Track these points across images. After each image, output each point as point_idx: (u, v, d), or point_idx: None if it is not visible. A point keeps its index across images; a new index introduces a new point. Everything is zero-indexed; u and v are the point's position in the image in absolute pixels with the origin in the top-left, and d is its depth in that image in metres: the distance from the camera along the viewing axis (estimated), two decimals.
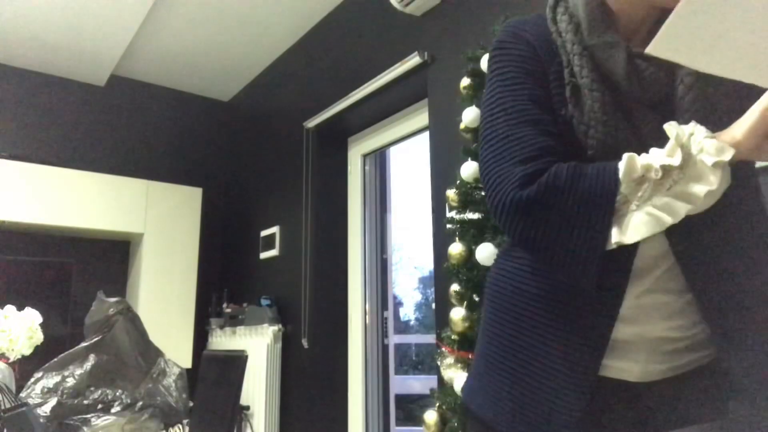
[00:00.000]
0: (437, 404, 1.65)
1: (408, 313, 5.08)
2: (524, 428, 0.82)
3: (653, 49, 0.62)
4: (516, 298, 0.87)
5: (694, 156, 0.70)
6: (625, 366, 0.81)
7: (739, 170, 0.77)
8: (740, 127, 0.70)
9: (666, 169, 0.70)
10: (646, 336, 0.81)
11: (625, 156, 0.72)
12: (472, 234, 1.63)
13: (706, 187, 0.68)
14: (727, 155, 0.68)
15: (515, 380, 0.84)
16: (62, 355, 1.91)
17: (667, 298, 0.81)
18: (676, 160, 0.69)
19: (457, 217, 1.72)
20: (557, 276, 0.82)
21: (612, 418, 0.82)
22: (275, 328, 3.32)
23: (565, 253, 0.74)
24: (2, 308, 2.18)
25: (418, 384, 4.32)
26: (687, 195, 0.70)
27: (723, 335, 0.80)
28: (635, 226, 0.71)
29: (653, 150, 0.72)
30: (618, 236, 0.71)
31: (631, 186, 0.71)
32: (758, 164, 1.42)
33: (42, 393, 1.80)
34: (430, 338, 2.99)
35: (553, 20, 0.90)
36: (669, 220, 0.70)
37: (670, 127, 0.71)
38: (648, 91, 0.81)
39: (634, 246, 0.77)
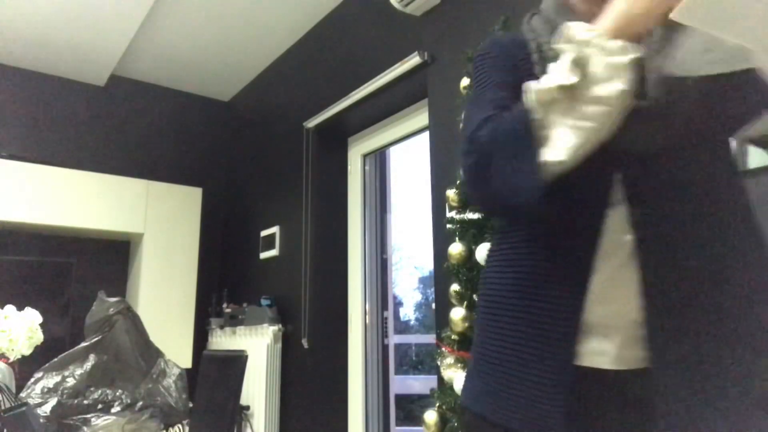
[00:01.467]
0: (437, 404, 1.65)
1: (408, 313, 5.08)
2: (518, 425, 0.82)
3: (678, 15, 0.62)
4: (496, 289, 0.89)
5: (590, 64, 0.71)
6: (598, 348, 0.80)
7: (721, 171, 0.77)
8: (613, 12, 0.71)
9: (569, 88, 0.72)
10: (620, 316, 0.80)
11: (532, 84, 0.75)
12: (472, 234, 1.63)
13: (616, 86, 0.69)
14: (624, 52, 0.69)
15: (502, 372, 0.85)
16: (62, 355, 1.91)
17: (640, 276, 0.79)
18: (573, 78, 0.71)
19: (457, 217, 1.72)
20: (506, 217, 0.89)
21: (600, 415, 0.81)
22: (275, 328, 3.32)
23: (507, 184, 0.76)
24: (2, 308, 2.18)
25: (418, 384, 4.32)
26: (598, 99, 0.70)
27: (655, 338, 0.79)
28: (560, 139, 0.73)
29: (553, 69, 0.75)
30: (549, 154, 0.73)
31: (544, 109, 0.74)
32: (758, 164, 1.42)
33: (42, 393, 1.80)
34: (430, 338, 2.99)
35: (529, 26, 0.96)
36: (589, 125, 0.71)
37: (563, 46, 0.74)
38: None
39: (599, 219, 0.79)
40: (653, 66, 0.74)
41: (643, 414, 0.81)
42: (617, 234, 0.80)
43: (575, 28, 0.73)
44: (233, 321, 3.67)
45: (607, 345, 0.80)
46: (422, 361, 4.84)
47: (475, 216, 1.67)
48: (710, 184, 0.79)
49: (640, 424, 0.81)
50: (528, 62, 0.89)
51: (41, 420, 1.71)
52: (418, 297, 4.99)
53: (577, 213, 0.82)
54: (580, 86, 0.71)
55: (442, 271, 1.93)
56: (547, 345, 0.80)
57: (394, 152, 3.37)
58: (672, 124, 0.76)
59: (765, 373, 0.77)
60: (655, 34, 0.75)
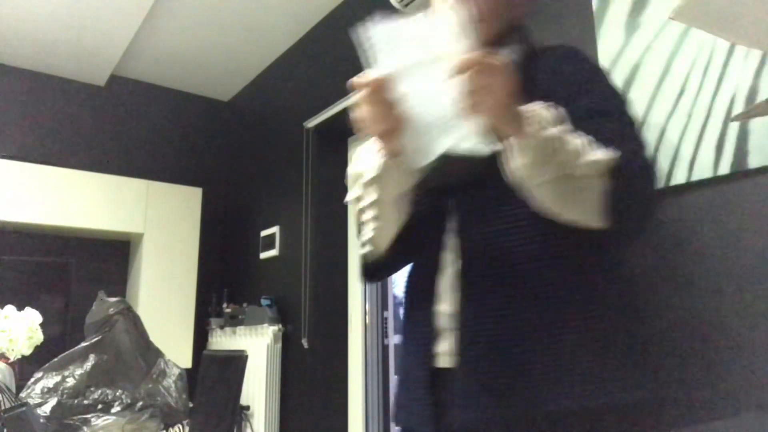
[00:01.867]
0: None
1: None
2: (407, 424, 1.00)
3: (677, 15, 0.62)
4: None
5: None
6: (444, 351, 0.94)
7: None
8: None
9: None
10: (453, 325, 0.93)
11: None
12: None
13: (352, 195, 1.02)
14: (362, 177, 0.99)
15: (400, 386, 1.04)
16: (62, 355, 1.91)
17: None
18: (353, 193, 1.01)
19: None
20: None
21: (448, 405, 0.92)
22: (275, 328, 3.32)
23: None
24: (2, 308, 2.18)
25: None
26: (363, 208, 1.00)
27: (463, 344, 0.91)
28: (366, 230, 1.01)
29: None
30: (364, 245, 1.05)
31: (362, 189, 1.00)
32: (758, 164, 1.42)
33: (42, 393, 1.80)
34: None
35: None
36: (371, 224, 0.98)
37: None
38: None
39: (437, 251, 0.98)
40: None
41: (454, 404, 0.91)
42: (450, 258, 0.97)
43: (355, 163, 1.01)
44: (233, 321, 3.67)
45: (448, 348, 0.93)
46: None
47: None
48: (517, 210, 0.90)
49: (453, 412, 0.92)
50: None
51: (41, 420, 1.71)
52: None
53: (421, 248, 1.03)
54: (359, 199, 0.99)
55: None
56: (416, 357, 0.97)
57: None
58: (466, 166, 0.87)
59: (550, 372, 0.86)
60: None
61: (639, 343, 0.94)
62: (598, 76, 0.99)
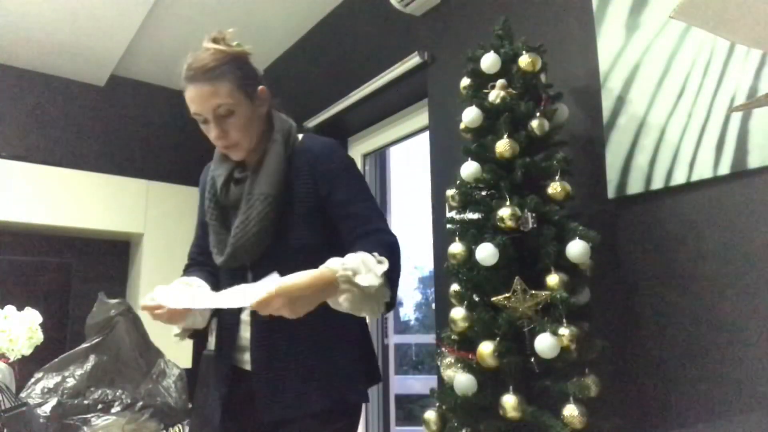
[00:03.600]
0: (437, 404, 1.64)
1: (408, 313, 5.08)
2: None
3: (677, 15, 0.63)
4: None
5: None
6: (244, 358, 1.31)
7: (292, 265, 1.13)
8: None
9: None
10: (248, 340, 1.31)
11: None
12: (472, 234, 1.63)
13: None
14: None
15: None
16: (62, 355, 1.91)
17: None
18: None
19: (457, 217, 1.72)
20: None
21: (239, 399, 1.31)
22: None
23: None
24: (2, 308, 2.18)
25: (418, 384, 4.32)
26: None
27: (254, 354, 1.29)
28: None
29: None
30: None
31: None
32: (758, 164, 1.42)
33: (42, 393, 1.80)
34: (430, 338, 2.98)
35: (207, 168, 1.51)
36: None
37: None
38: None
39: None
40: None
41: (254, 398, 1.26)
42: (245, 316, 1.33)
43: None
44: None
45: (244, 356, 1.31)
46: (422, 361, 4.84)
47: (475, 216, 1.67)
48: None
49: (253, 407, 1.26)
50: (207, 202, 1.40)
51: (41, 420, 1.71)
52: (418, 297, 4.99)
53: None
54: None
55: (442, 271, 1.94)
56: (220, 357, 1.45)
57: (394, 152, 3.37)
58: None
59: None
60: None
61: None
62: (347, 168, 1.30)
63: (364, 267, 1.10)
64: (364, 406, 1.34)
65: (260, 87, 1.32)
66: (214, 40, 1.28)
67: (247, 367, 1.30)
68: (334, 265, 1.09)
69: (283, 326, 1.17)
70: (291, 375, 1.23)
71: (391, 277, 1.14)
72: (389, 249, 1.18)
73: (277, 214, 1.25)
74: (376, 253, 1.13)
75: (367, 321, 1.38)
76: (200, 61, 1.24)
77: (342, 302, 1.09)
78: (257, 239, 1.24)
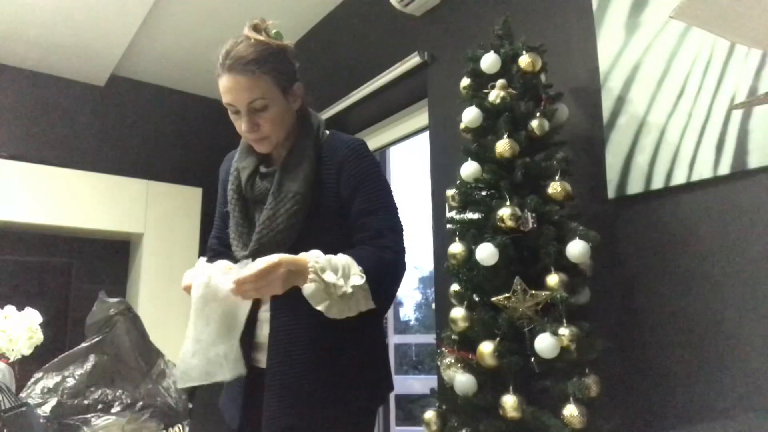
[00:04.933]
0: (437, 404, 1.65)
1: (408, 313, 5.08)
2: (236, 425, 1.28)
3: (677, 15, 0.63)
4: None
5: None
6: (260, 357, 1.25)
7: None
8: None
9: None
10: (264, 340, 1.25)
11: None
12: (472, 234, 1.63)
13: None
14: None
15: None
16: (62, 355, 1.91)
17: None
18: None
19: (457, 217, 1.72)
20: None
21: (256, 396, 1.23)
22: None
23: None
24: (2, 308, 2.18)
25: (418, 384, 4.32)
26: None
27: (270, 354, 1.24)
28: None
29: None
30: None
31: None
32: (758, 164, 1.42)
33: (42, 393, 1.80)
34: (430, 338, 2.98)
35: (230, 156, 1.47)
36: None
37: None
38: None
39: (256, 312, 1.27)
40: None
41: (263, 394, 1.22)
42: (264, 313, 1.27)
43: None
44: None
45: (262, 356, 1.24)
46: (422, 361, 4.84)
47: (475, 216, 1.67)
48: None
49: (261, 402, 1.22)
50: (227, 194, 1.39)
51: (41, 420, 1.71)
52: (418, 297, 4.99)
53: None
54: None
55: (442, 271, 1.94)
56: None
57: (394, 152, 3.37)
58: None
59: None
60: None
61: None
62: (371, 175, 1.27)
63: (341, 270, 1.11)
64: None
65: (296, 83, 1.30)
66: (255, 29, 1.26)
67: (264, 366, 1.26)
68: (312, 255, 1.12)
69: (303, 325, 1.17)
70: (307, 376, 1.19)
71: (377, 291, 1.14)
72: (384, 268, 1.18)
73: (305, 212, 1.23)
74: (361, 268, 1.13)
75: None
76: (241, 51, 1.23)
77: (305, 289, 1.10)
78: (283, 236, 1.21)
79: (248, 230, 1.27)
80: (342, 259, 1.14)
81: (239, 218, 1.30)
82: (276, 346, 1.22)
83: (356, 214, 1.24)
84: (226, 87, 1.24)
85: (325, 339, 1.20)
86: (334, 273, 1.10)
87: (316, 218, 1.24)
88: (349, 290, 1.10)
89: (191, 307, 1.12)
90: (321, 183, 1.26)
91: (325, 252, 1.15)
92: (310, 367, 1.20)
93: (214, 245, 1.47)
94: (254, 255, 1.21)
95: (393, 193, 1.32)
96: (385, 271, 1.18)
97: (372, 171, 1.28)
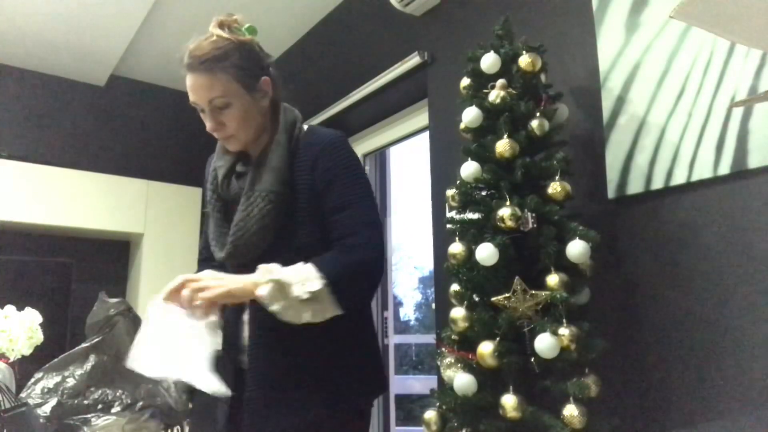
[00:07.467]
0: (437, 404, 1.64)
1: (408, 313, 5.08)
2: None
3: (677, 15, 0.63)
4: None
5: None
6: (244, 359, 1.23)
7: None
8: None
9: None
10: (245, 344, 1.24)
11: None
12: (472, 234, 1.63)
13: None
14: None
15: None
16: (62, 355, 1.91)
17: None
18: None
19: (457, 217, 1.72)
20: None
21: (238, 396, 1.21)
22: None
23: None
24: (2, 308, 2.18)
25: (418, 384, 4.32)
26: None
27: (251, 356, 1.22)
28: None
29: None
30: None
31: None
32: (758, 164, 1.42)
33: (42, 393, 1.80)
34: (430, 338, 2.98)
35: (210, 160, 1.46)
36: None
37: None
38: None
39: (242, 313, 1.27)
40: None
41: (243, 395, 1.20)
42: (246, 315, 1.24)
43: None
44: None
45: (244, 357, 1.22)
46: (422, 361, 4.84)
47: (475, 216, 1.67)
48: None
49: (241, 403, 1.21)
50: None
51: (41, 420, 1.71)
52: (418, 297, 4.99)
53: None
54: None
55: (442, 271, 1.93)
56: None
57: (394, 152, 3.37)
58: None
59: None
60: None
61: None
62: (346, 169, 1.22)
63: (298, 276, 1.10)
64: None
65: (263, 78, 1.28)
66: (220, 25, 1.24)
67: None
68: (267, 266, 1.12)
69: (282, 326, 1.12)
70: (288, 378, 1.17)
71: (340, 296, 1.10)
72: (349, 270, 1.14)
73: (280, 211, 1.19)
74: (321, 274, 1.10)
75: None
76: (200, 50, 1.22)
77: (260, 290, 1.08)
78: (258, 238, 1.18)
79: (227, 231, 1.24)
80: (300, 267, 1.11)
81: (218, 219, 1.28)
82: (255, 346, 1.20)
83: (329, 212, 1.20)
84: (188, 86, 1.24)
85: (306, 340, 1.17)
86: (289, 278, 1.08)
87: (292, 217, 1.20)
88: (305, 296, 1.07)
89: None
90: (296, 181, 1.22)
91: (305, 253, 1.14)
92: (292, 368, 1.18)
93: (202, 248, 1.47)
94: (228, 257, 1.22)
95: (370, 187, 1.26)
96: (350, 274, 1.14)
97: (347, 164, 1.23)
